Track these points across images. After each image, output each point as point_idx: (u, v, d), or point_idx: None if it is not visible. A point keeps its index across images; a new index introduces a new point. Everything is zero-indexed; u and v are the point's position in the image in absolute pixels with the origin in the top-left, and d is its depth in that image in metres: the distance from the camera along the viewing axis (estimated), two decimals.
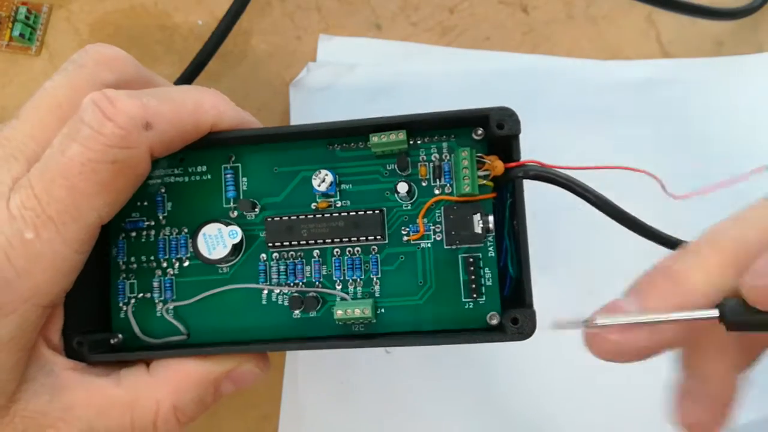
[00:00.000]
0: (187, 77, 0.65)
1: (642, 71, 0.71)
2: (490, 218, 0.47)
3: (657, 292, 0.38)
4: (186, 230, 0.51)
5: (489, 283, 0.47)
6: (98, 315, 0.51)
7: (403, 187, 0.47)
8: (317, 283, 0.49)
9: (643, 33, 0.72)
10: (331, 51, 0.70)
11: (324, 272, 0.49)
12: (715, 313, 0.34)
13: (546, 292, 0.45)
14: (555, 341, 0.63)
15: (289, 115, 0.69)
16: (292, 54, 0.71)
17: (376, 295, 0.48)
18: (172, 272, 0.50)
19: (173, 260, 0.51)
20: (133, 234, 0.51)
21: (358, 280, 0.49)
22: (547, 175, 0.45)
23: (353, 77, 0.70)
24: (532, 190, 0.47)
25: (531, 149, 0.46)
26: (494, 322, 0.47)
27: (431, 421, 0.66)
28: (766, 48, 0.72)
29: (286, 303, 0.49)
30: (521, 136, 0.46)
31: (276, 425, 0.66)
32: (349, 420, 0.66)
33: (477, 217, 0.46)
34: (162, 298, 0.50)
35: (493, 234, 0.47)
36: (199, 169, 0.51)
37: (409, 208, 0.49)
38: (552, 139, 0.59)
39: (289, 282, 0.49)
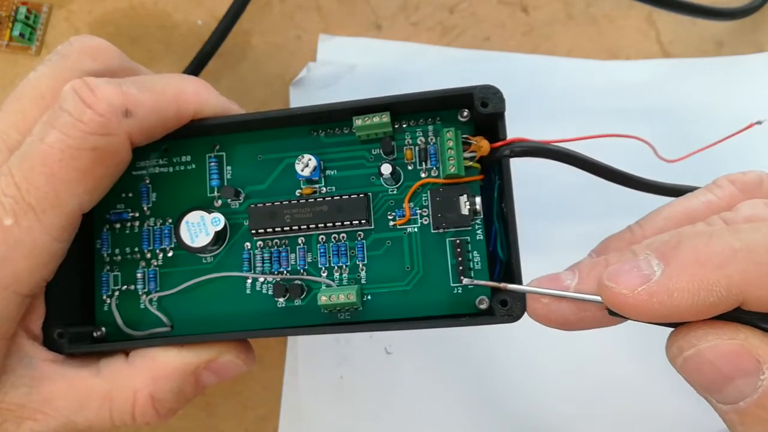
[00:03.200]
0: None
1: (642, 71, 0.69)
2: (477, 199, 0.43)
3: (593, 275, 0.37)
4: (170, 220, 0.48)
5: (478, 266, 0.44)
6: (82, 308, 0.48)
7: (386, 169, 0.44)
8: (302, 270, 0.46)
9: (643, 33, 0.69)
10: (331, 51, 0.68)
11: (309, 259, 0.46)
12: (599, 299, 0.35)
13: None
14: (555, 341, 0.61)
15: None
16: (292, 54, 0.68)
17: (363, 281, 0.45)
18: (156, 263, 0.47)
19: (157, 251, 0.47)
20: (118, 226, 0.48)
21: (344, 266, 0.45)
22: (534, 149, 0.42)
23: (353, 77, 0.67)
24: (522, 175, 0.45)
25: None
26: (483, 306, 0.43)
27: (431, 420, 0.63)
28: (765, 48, 0.70)
29: (270, 292, 0.46)
30: (521, 135, 0.43)
31: (275, 425, 0.64)
32: (350, 421, 0.64)
33: (463, 198, 0.43)
34: (146, 290, 0.47)
35: (481, 216, 0.44)
36: (183, 158, 0.48)
37: (395, 192, 0.45)
38: (552, 139, 0.57)
39: (273, 270, 0.46)
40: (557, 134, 0.63)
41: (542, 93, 0.67)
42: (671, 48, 0.69)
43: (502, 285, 0.39)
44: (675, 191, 0.47)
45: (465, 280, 0.43)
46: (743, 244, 0.31)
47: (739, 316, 0.32)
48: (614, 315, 0.34)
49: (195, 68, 0.63)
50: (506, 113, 0.43)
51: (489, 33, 0.69)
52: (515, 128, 0.45)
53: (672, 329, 0.34)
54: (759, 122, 0.45)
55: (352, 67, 0.67)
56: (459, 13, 0.69)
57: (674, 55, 0.69)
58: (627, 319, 0.34)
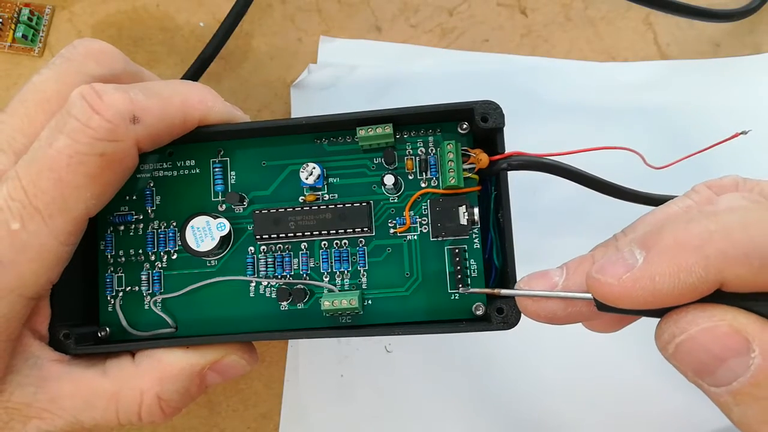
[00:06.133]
0: (189, 78, 0.63)
1: (640, 73, 0.70)
2: (475, 210, 0.45)
3: (580, 271, 0.38)
4: (174, 224, 0.49)
5: (474, 274, 0.46)
6: (86, 308, 0.49)
7: (389, 179, 0.46)
8: (305, 275, 0.47)
9: (641, 35, 0.70)
10: (332, 52, 0.69)
11: (312, 264, 0.47)
12: (589, 296, 0.36)
13: None
14: (554, 341, 0.63)
15: (290, 116, 0.67)
16: (293, 55, 0.69)
17: (364, 286, 0.47)
18: (160, 265, 0.49)
19: (161, 253, 0.49)
20: (122, 228, 0.49)
21: (346, 272, 0.47)
22: (531, 163, 0.44)
23: (354, 78, 0.68)
24: (519, 184, 0.46)
25: (529, 150, 0.45)
26: (479, 312, 0.45)
27: (431, 419, 0.65)
28: (763, 49, 0.71)
29: (273, 295, 0.47)
30: (520, 136, 0.45)
31: (276, 423, 0.65)
32: (350, 419, 0.65)
33: (462, 209, 0.45)
34: (150, 291, 0.49)
35: (479, 226, 0.46)
36: (187, 163, 0.49)
37: (395, 200, 0.47)
38: (550, 141, 0.58)
39: (276, 274, 0.48)
40: (555, 135, 0.65)
41: (540, 94, 0.68)
42: (669, 50, 0.70)
43: (496, 291, 0.41)
44: (662, 201, 0.49)
45: (461, 289, 0.45)
46: (719, 226, 0.32)
47: (721, 298, 0.33)
48: (603, 309, 0.35)
49: (197, 70, 0.63)
50: (505, 113, 0.45)
51: (488, 35, 0.70)
52: (513, 129, 0.46)
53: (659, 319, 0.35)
54: (744, 132, 0.46)
55: (352, 68, 0.68)
56: (458, 15, 0.70)
57: (672, 57, 0.70)
58: (613, 311, 0.35)
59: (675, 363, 0.34)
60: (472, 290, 0.45)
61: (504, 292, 0.40)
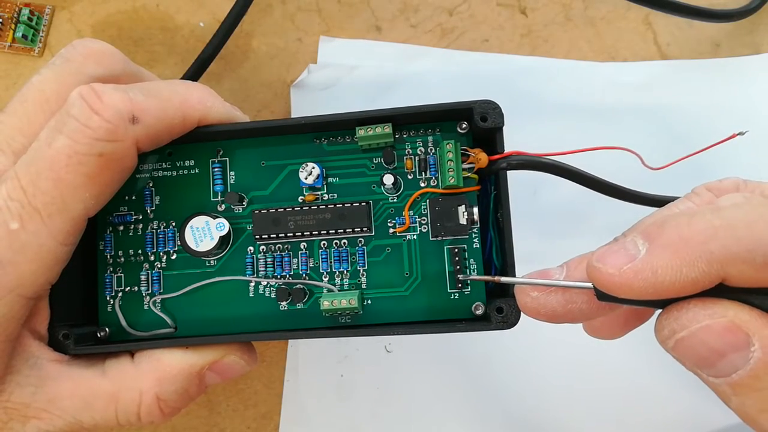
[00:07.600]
0: (189, 78, 0.63)
1: (640, 73, 0.70)
2: (475, 210, 0.45)
3: (579, 269, 0.38)
4: (174, 224, 0.49)
5: (474, 273, 0.46)
6: (85, 308, 0.49)
7: (389, 179, 0.46)
8: (304, 275, 0.47)
9: (641, 35, 0.70)
10: (332, 53, 0.69)
11: (311, 264, 0.47)
12: (590, 285, 0.36)
13: None
14: (555, 341, 0.62)
15: (290, 116, 0.67)
16: (293, 55, 0.69)
17: (363, 286, 0.47)
18: (159, 266, 0.49)
19: (161, 253, 0.49)
20: (121, 228, 0.49)
21: (345, 271, 0.47)
22: (530, 162, 0.44)
23: (354, 78, 0.68)
24: (519, 183, 0.46)
25: (529, 150, 0.45)
26: (479, 312, 0.45)
27: (430, 418, 0.65)
28: (762, 49, 0.71)
29: (273, 295, 0.47)
30: (520, 136, 0.45)
31: (276, 423, 0.65)
32: (350, 419, 0.65)
33: (462, 208, 0.45)
34: (149, 292, 0.48)
35: (478, 225, 0.46)
36: (187, 163, 0.49)
37: (395, 200, 0.47)
38: (550, 141, 0.58)
39: (276, 274, 0.47)
40: (554, 135, 0.65)
41: (540, 94, 0.68)
42: (668, 50, 0.70)
43: (496, 278, 0.41)
44: (662, 202, 0.49)
45: (461, 276, 0.45)
46: (724, 221, 0.32)
47: (723, 292, 0.33)
48: (603, 299, 0.35)
49: (197, 70, 0.63)
50: (504, 114, 0.44)
51: (488, 35, 0.70)
52: (513, 129, 0.46)
53: (660, 311, 0.35)
54: (741, 133, 0.46)
55: (352, 68, 0.68)
56: (458, 15, 0.70)
57: (672, 57, 0.70)
58: (613, 301, 0.35)
59: (674, 355, 0.34)
60: (472, 277, 0.45)
61: (504, 279, 0.41)
